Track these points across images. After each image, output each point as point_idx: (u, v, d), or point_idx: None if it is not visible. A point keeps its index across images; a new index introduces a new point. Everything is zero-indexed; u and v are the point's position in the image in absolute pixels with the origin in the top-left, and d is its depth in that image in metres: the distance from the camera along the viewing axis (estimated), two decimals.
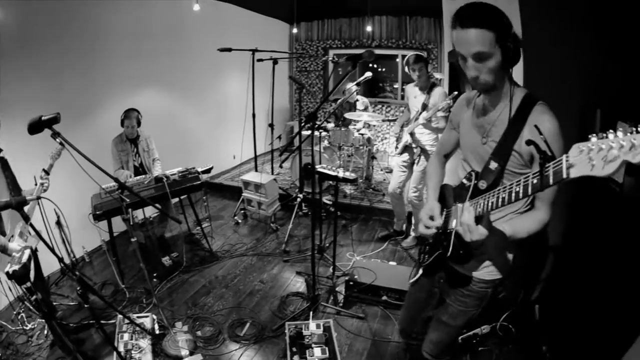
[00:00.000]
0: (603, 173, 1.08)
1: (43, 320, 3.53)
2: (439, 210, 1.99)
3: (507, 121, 1.73)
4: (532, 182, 1.36)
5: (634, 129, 1.03)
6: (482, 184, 1.78)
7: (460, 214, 1.72)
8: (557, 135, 1.59)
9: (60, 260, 2.41)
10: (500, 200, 1.54)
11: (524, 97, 1.72)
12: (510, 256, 1.97)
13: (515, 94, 1.74)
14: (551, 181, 1.25)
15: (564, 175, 1.19)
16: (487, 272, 1.98)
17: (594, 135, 1.12)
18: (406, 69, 4.46)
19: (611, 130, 1.08)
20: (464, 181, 1.89)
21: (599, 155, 1.08)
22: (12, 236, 2.97)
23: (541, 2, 3.05)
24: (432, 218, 1.98)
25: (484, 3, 1.61)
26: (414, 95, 4.60)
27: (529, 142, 1.39)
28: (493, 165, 1.76)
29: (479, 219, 1.66)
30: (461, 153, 2.11)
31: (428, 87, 4.47)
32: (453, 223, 1.88)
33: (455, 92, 4.14)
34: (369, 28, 8.91)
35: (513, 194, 1.46)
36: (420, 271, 2.27)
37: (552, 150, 1.31)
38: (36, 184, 3.35)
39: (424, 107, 4.40)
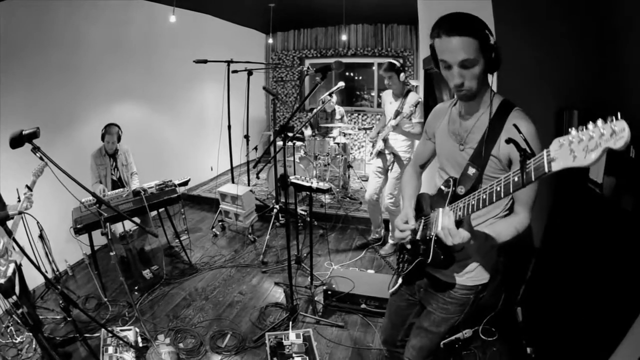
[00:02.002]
0: (585, 162, 1.07)
1: (30, 334, 3.53)
2: (413, 214, 2.00)
3: (484, 127, 1.76)
4: (514, 180, 1.33)
5: (613, 117, 1.03)
6: (461, 190, 1.79)
7: (440, 218, 1.69)
8: (536, 139, 1.61)
9: (44, 275, 2.44)
10: (480, 201, 1.51)
11: (500, 104, 1.77)
12: (492, 260, 1.99)
13: (492, 99, 1.78)
14: (533, 177, 1.23)
15: (546, 170, 1.17)
16: (468, 277, 1.99)
17: (573, 128, 1.11)
18: (380, 72, 4.57)
19: (590, 122, 1.07)
20: (442, 187, 1.88)
21: (579, 146, 1.08)
22: None
23: (515, 4, 3.13)
24: (406, 223, 1.98)
25: (465, 13, 1.65)
26: (389, 101, 4.69)
27: (509, 141, 1.38)
28: (471, 170, 1.78)
29: (459, 223, 1.65)
30: (437, 163, 2.13)
31: (403, 93, 4.56)
32: (433, 229, 1.85)
33: (419, 100, 4.25)
34: (344, 37, 9.02)
35: (494, 194, 1.43)
36: (400, 280, 2.27)
37: (532, 149, 1.30)
38: (19, 199, 3.37)
39: (397, 113, 4.47)
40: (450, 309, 2.07)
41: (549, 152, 1.17)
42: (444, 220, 1.66)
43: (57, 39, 4.71)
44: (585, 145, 1.06)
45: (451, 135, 1.95)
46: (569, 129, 1.12)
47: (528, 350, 3.09)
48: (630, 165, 2.29)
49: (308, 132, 7.25)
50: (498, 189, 1.41)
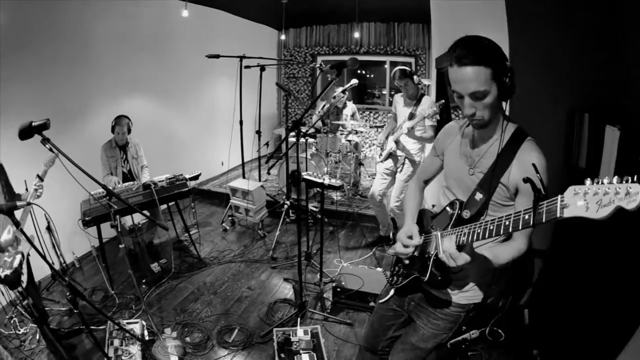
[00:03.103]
0: (597, 216, 1.10)
1: (35, 325, 3.53)
2: (417, 230, 1.96)
3: (496, 153, 1.74)
4: (524, 218, 1.34)
5: (629, 177, 1.06)
6: (466, 214, 1.79)
7: (441, 241, 1.74)
8: (545, 172, 1.60)
9: (51, 266, 2.43)
10: (487, 232, 1.53)
11: (514, 132, 1.74)
12: (487, 281, 1.98)
13: (506, 127, 1.75)
14: (544, 219, 1.25)
15: (558, 214, 1.19)
16: (462, 296, 1.99)
17: (588, 179, 1.14)
18: (395, 82, 4.51)
19: (607, 177, 1.10)
20: (448, 209, 1.88)
21: (593, 199, 1.10)
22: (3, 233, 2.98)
23: (528, 6, 3.09)
24: (410, 238, 1.95)
25: (479, 37, 1.62)
26: (402, 104, 4.64)
27: (526, 180, 1.37)
28: (478, 196, 1.77)
29: (461, 247, 1.66)
30: (443, 180, 2.11)
31: (417, 96, 4.51)
32: (432, 248, 1.87)
33: (442, 101, 4.15)
34: (356, 34, 8.96)
35: (502, 227, 1.45)
36: (392, 292, 2.27)
37: (546, 190, 1.32)
38: (26, 189, 3.37)
39: (411, 116, 4.42)
40: (440, 325, 2.07)
41: (563, 198, 1.19)
42: (444, 244, 1.69)
43: (68, 32, 4.71)
44: (599, 199, 1.09)
45: (462, 156, 1.94)
46: (585, 180, 1.15)
47: (534, 352, 3.07)
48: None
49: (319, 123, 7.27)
50: (507, 223, 1.43)
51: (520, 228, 1.36)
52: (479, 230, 1.58)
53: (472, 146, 1.89)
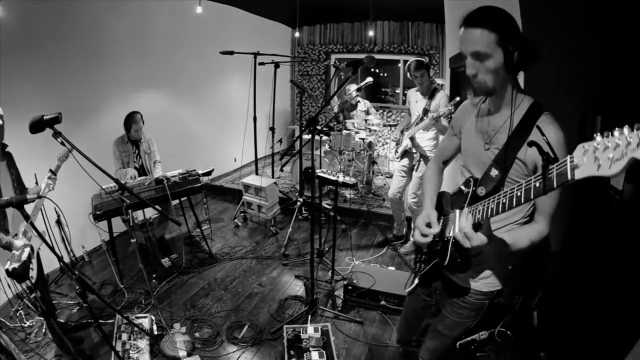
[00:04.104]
0: (610, 172, 1.02)
1: (41, 318, 3.54)
2: (436, 217, 1.93)
3: (510, 128, 1.71)
4: (535, 186, 1.29)
5: None
6: (481, 191, 1.74)
7: (457, 220, 1.68)
8: (563, 146, 1.56)
9: (60, 259, 2.42)
10: (500, 205, 1.48)
11: (530, 106, 1.70)
12: (509, 267, 1.94)
13: (521, 101, 1.72)
14: (555, 184, 1.18)
15: (569, 177, 1.13)
16: (484, 283, 1.95)
17: (598, 134, 1.06)
18: (408, 74, 4.47)
19: (617, 128, 1.02)
20: (462, 187, 1.85)
21: (605, 154, 1.03)
22: (16, 235, 2.99)
23: (541, 5, 3.03)
24: (429, 225, 1.93)
25: (494, 7, 1.61)
26: (416, 99, 4.60)
27: (531, 143, 1.33)
28: (494, 172, 1.73)
29: (478, 226, 1.61)
30: (461, 159, 2.07)
31: (430, 91, 4.47)
32: (450, 230, 1.81)
33: (458, 98, 4.10)
34: (371, 33, 8.90)
35: (514, 199, 1.39)
36: (416, 280, 2.24)
37: (556, 155, 1.25)
38: (36, 183, 3.36)
39: (425, 112, 4.40)
40: (464, 314, 2.05)
41: (573, 158, 1.12)
42: (461, 222, 1.64)
43: (83, 28, 4.73)
44: (610, 154, 1.02)
45: (478, 133, 1.90)
46: (594, 135, 1.07)
47: (541, 354, 3.04)
48: None
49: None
50: (519, 193, 1.38)
51: (532, 197, 1.31)
52: (492, 205, 1.54)
53: (488, 121, 1.86)
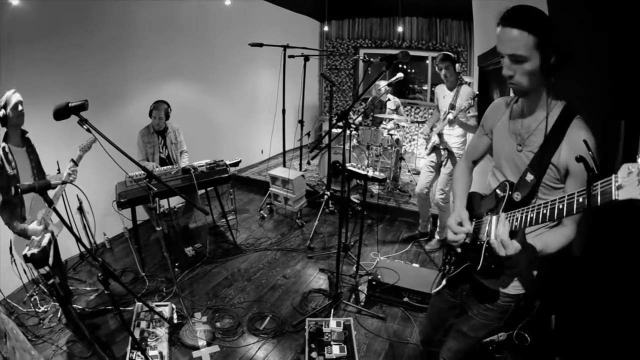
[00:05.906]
0: None
1: (56, 304, 3.56)
2: (467, 217, 1.91)
3: (545, 131, 1.68)
4: (578, 201, 1.26)
5: None
6: (517, 196, 1.71)
7: (495, 226, 1.65)
8: (594, 152, 1.50)
9: (83, 245, 2.41)
10: (541, 216, 1.44)
11: (563, 109, 1.67)
12: (535, 272, 1.90)
13: (554, 105, 1.69)
14: (599, 201, 1.15)
15: (613, 197, 1.09)
16: (512, 286, 1.92)
17: None
18: (436, 68, 4.42)
19: None
20: (498, 191, 1.81)
21: None
22: (33, 222, 3.01)
23: (568, 9, 2.95)
24: (460, 224, 1.90)
25: (533, 7, 1.57)
26: (443, 95, 4.54)
27: (579, 159, 1.29)
28: (529, 177, 1.70)
29: (513, 234, 1.58)
30: (492, 160, 2.03)
31: (456, 86, 4.41)
32: (484, 235, 1.78)
33: (477, 92, 4.10)
34: (399, 28, 8.80)
35: (556, 211, 1.37)
36: (444, 282, 2.20)
37: (598, 169, 1.23)
38: (58, 171, 3.38)
39: (452, 107, 4.33)
40: (490, 316, 2.03)
41: (617, 177, 1.08)
42: (498, 229, 1.61)
43: (110, 16, 4.76)
44: None
45: (511, 134, 1.86)
46: (637, 157, 1.05)
47: (556, 359, 2.96)
48: None
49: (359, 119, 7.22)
50: (560, 206, 1.35)
51: (574, 212, 1.27)
52: (532, 215, 1.49)
53: (522, 123, 1.81)
